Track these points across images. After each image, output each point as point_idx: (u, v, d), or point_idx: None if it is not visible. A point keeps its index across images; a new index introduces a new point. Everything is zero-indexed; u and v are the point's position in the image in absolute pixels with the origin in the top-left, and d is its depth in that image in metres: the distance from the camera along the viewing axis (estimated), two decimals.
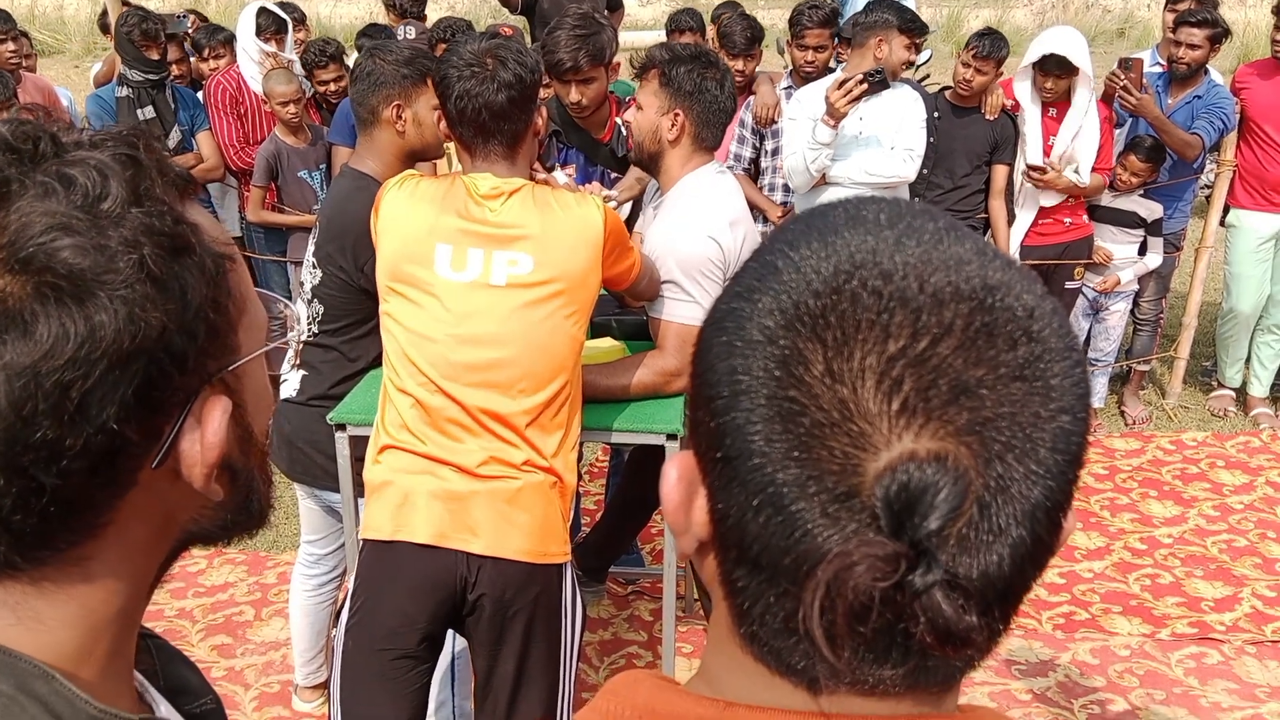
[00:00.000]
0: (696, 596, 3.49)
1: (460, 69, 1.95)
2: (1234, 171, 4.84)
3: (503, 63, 1.95)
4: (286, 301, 0.75)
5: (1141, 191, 4.60)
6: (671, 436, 2.24)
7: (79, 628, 0.61)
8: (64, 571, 0.59)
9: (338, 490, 2.37)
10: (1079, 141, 4.25)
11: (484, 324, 1.92)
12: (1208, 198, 5.24)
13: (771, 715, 0.50)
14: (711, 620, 0.57)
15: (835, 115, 3.51)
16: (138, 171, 0.58)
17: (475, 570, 1.92)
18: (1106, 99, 4.50)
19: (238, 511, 0.67)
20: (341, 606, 2.04)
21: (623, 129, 3.96)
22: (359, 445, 2.44)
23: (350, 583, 2.02)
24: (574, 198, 2.02)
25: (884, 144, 3.80)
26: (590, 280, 2.00)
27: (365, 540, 1.99)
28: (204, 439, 0.59)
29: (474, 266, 1.93)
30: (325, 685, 3.05)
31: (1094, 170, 4.35)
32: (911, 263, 0.47)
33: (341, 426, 2.26)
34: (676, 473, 0.54)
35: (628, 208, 3.04)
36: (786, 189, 4.15)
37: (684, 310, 2.33)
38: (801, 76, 4.28)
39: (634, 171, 2.98)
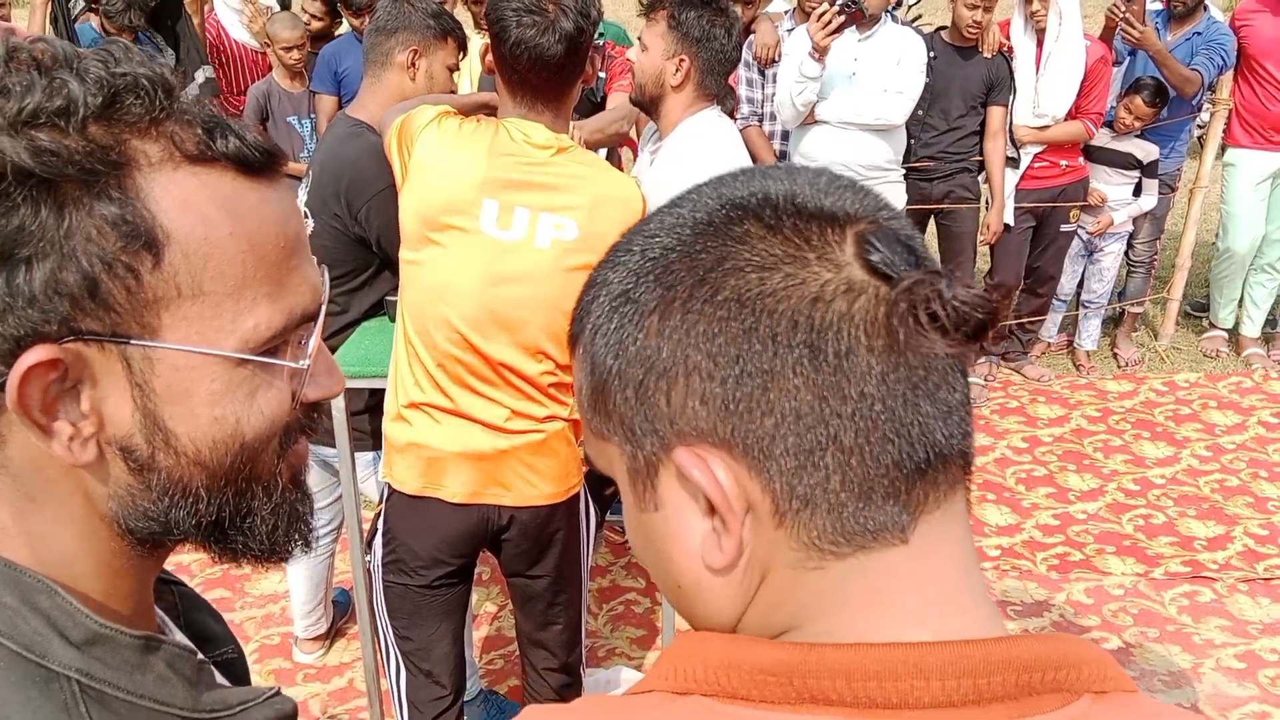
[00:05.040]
0: None
1: (520, 14, 1.84)
2: (1229, 111, 4.80)
3: (564, 11, 1.85)
4: (332, 365, 0.69)
5: (1138, 133, 4.56)
6: None
7: (49, 550, 0.62)
8: (4, 483, 0.60)
9: (334, 445, 2.35)
10: (1050, 67, 4.22)
11: (521, 285, 1.88)
12: (1200, 139, 5.20)
13: (857, 650, 0.50)
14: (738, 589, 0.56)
15: (818, 49, 3.49)
16: (105, 107, 0.56)
17: (506, 518, 2.01)
18: (1106, 36, 4.44)
19: (158, 508, 0.63)
20: (370, 540, 2.09)
21: (600, 74, 3.89)
22: (352, 398, 2.42)
23: (379, 524, 2.05)
24: (620, 175, 2.00)
25: (878, 86, 3.76)
26: None
27: (391, 488, 2.01)
28: (9, 378, 0.56)
29: (519, 227, 1.88)
30: (325, 637, 3.07)
31: (1082, 115, 4.31)
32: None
33: None
34: (693, 461, 0.52)
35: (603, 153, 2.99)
36: (787, 136, 4.11)
37: None
38: (804, 13, 4.21)
39: (602, 116, 2.91)
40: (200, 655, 0.74)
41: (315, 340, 0.67)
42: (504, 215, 1.88)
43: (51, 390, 0.57)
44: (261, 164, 0.63)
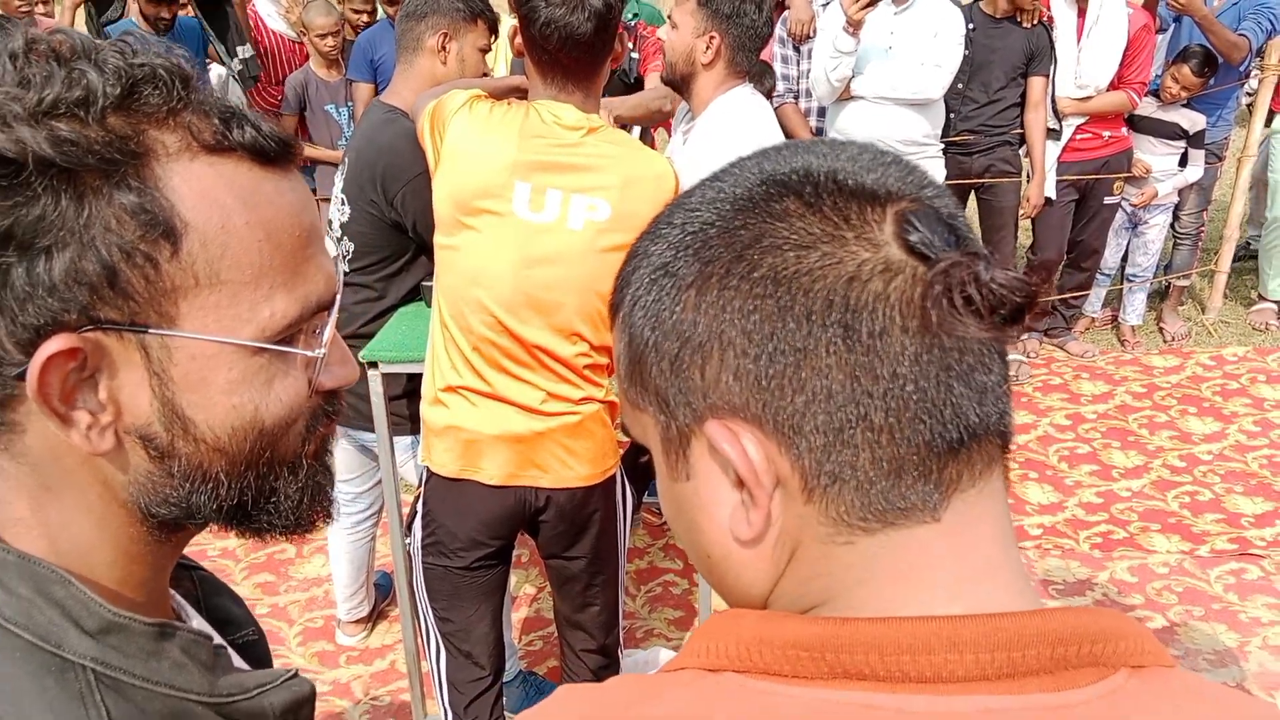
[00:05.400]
0: None
1: None
2: (1278, 77, 4.67)
3: None
4: (347, 355, 0.70)
5: (1185, 101, 4.46)
6: None
7: (66, 540, 0.63)
8: (14, 462, 0.61)
9: (373, 430, 2.38)
10: (1092, 36, 4.13)
11: (554, 267, 1.89)
12: (1249, 106, 5.07)
13: (889, 624, 0.50)
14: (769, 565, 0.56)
15: (852, 23, 3.45)
16: (123, 97, 0.57)
17: (544, 500, 2.03)
18: (1150, 3, 4.34)
19: (179, 494, 0.63)
20: (410, 523, 2.11)
21: (633, 54, 3.87)
22: (391, 383, 2.43)
23: (419, 507, 2.07)
24: (651, 153, 1.99)
25: (915, 60, 3.70)
26: None
27: (430, 471, 2.03)
28: (30, 368, 0.56)
29: (551, 208, 1.88)
30: (367, 620, 3.11)
31: (1126, 84, 4.22)
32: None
33: (374, 365, 2.25)
34: (724, 435, 0.53)
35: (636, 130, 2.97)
36: (823, 112, 4.07)
37: None
38: None
39: (642, 94, 2.89)
40: (218, 640, 0.75)
41: (330, 329, 0.67)
42: (536, 198, 1.88)
43: (70, 379, 0.58)
44: (277, 154, 0.63)
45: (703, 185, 0.57)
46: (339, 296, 0.69)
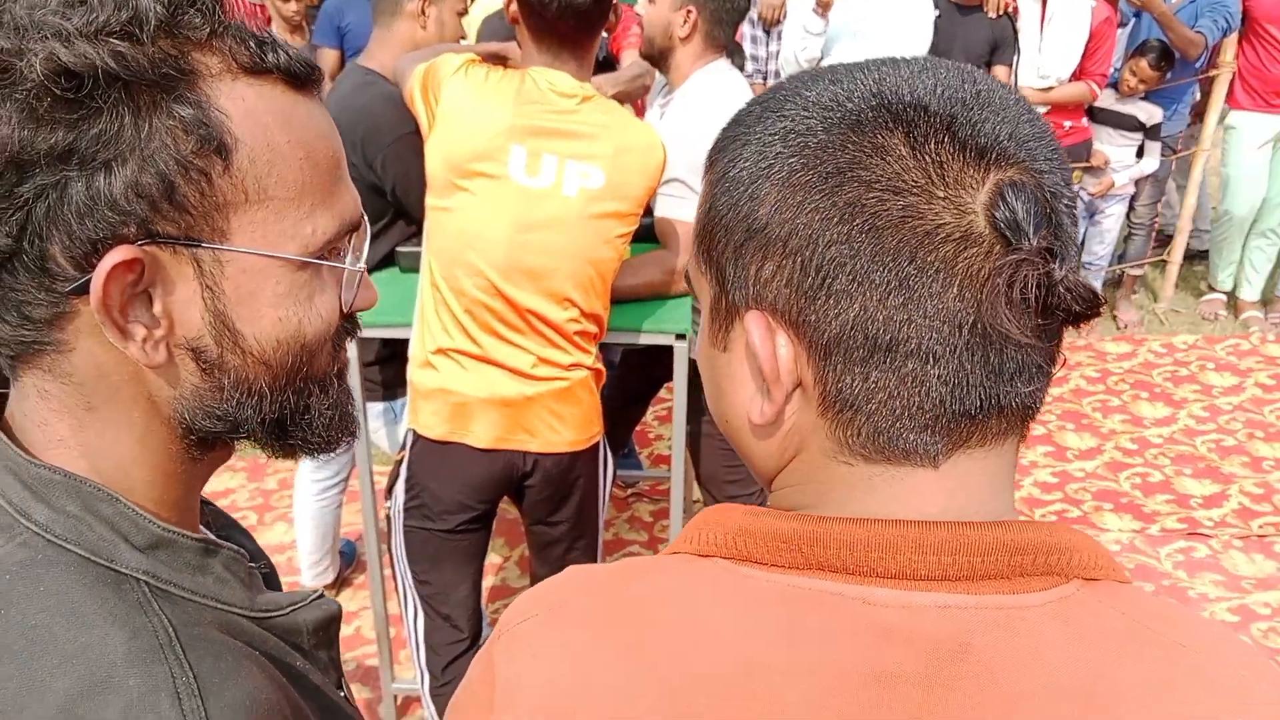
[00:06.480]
0: (697, 499, 3.55)
1: None
2: (1233, 73, 4.79)
3: None
4: (368, 278, 0.72)
5: (1142, 95, 4.56)
6: (680, 336, 2.24)
7: (107, 459, 0.64)
8: (58, 384, 0.62)
9: None
10: (1054, 28, 4.20)
11: (548, 232, 1.90)
12: (1193, 109, 5.18)
13: (863, 524, 0.53)
14: (774, 473, 0.61)
15: (822, 4, 3.50)
16: (169, 19, 0.58)
17: (530, 464, 2.04)
18: None
19: (227, 406, 0.65)
20: (392, 486, 2.10)
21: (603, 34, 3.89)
22: (364, 349, 2.43)
23: (402, 470, 2.07)
24: (642, 124, 2.01)
25: (883, 44, 3.74)
26: (642, 206, 2.01)
27: (416, 434, 2.03)
28: (94, 280, 0.57)
29: (547, 173, 1.89)
30: (332, 586, 3.10)
31: (1087, 76, 4.30)
32: (911, 80, 0.55)
33: None
34: (760, 330, 0.55)
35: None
36: None
37: (690, 209, 2.30)
38: None
39: (622, 71, 2.90)
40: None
41: (367, 245, 0.70)
42: (532, 162, 1.89)
43: (126, 292, 0.59)
44: (306, 78, 0.65)
45: (824, 83, 0.57)
46: (365, 217, 0.71)
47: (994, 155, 0.52)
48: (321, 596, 0.74)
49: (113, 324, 0.59)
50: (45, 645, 0.55)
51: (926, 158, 0.52)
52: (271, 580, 0.85)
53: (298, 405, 0.68)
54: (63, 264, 0.57)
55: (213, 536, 0.69)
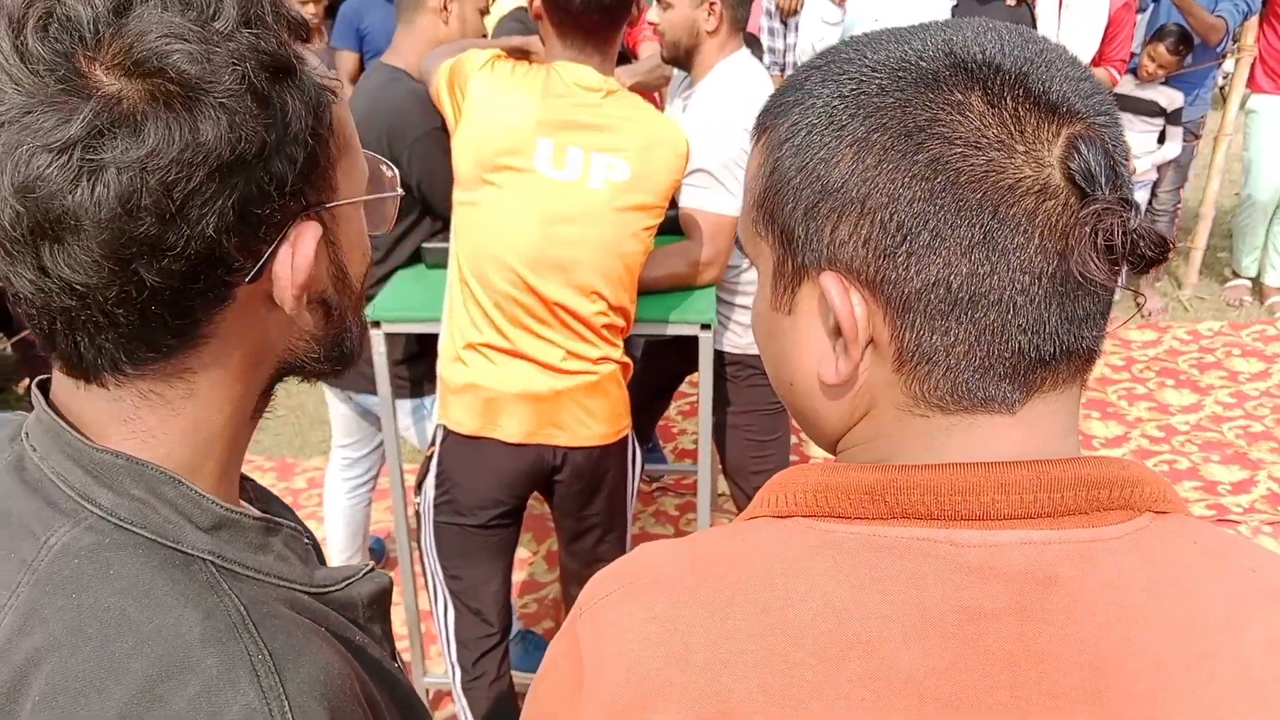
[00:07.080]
0: (722, 491, 3.55)
1: None
2: (1254, 57, 4.76)
3: None
4: (390, 164, 0.76)
5: (1162, 80, 4.53)
6: (705, 326, 2.24)
7: (188, 443, 0.65)
8: (170, 385, 0.63)
9: (375, 392, 2.39)
10: (1072, 14, 4.18)
11: (575, 225, 1.91)
12: (1221, 89, 5.14)
13: (945, 469, 0.54)
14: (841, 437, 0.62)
15: None
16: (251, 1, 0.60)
17: (560, 458, 2.05)
18: None
19: (331, 347, 0.70)
20: (422, 482, 2.11)
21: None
22: (392, 346, 2.44)
23: (432, 466, 2.08)
24: (666, 118, 2.02)
25: None
26: (667, 199, 2.02)
27: (446, 430, 2.04)
28: (294, 260, 0.61)
29: (573, 166, 1.91)
30: None
31: (1106, 62, 4.28)
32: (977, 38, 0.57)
33: (376, 324, 2.26)
34: (838, 288, 0.56)
35: None
36: None
37: (716, 201, 2.31)
38: None
39: (639, 64, 2.91)
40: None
41: (395, 171, 0.76)
42: (558, 155, 1.90)
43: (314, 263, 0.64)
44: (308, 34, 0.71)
45: (886, 43, 0.57)
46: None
47: (1064, 110, 0.54)
48: (373, 570, 0.75)
49: (295, 300, 0.63)
50: (120, 628, 0.56)
51: (1005, 114, 0.53)
52: (316, 554, 0.87)
53: (356, 326, 0.74)
54: (235, 254, 0.59)
55: (271, 516, 0.70)
